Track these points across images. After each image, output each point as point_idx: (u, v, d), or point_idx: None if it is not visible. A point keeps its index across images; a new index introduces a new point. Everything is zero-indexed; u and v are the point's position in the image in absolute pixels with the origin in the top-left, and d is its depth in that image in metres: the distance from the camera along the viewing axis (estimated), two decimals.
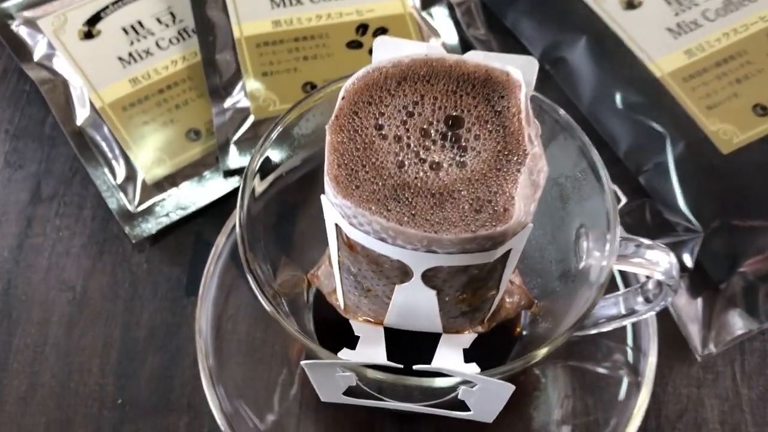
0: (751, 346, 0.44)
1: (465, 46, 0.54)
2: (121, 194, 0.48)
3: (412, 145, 0.29)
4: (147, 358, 0.44)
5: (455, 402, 0.34)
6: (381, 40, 0.33)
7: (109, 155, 0.48)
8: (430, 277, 0.30)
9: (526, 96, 0.30)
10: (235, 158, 0.48)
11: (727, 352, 0.44)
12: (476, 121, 0.29)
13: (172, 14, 0.53)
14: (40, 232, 0.48)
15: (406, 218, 0.28)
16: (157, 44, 0.52)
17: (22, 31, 0.52)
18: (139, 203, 0.47)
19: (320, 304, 0.39)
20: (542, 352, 0.32)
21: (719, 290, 0.44)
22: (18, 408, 0.43)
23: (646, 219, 0.47)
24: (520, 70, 0.30)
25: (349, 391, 0.34)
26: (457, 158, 0.29)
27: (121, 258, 0.47)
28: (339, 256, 0.32)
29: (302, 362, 0.30)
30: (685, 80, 0.49)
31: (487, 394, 0.31)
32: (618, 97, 0.49)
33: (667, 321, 0.44)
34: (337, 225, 0.29)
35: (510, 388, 0.30)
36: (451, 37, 0.54)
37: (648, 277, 0.36)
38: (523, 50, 0.52)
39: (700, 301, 0.44)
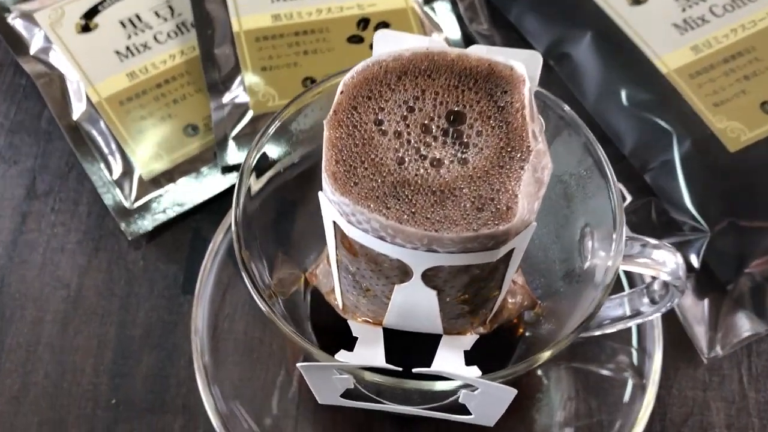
0: (758, 348, 0.44)
1: (468, 41, 0.53)
2: (118, 190, 0.47)
3: (412, 141, 0.28)
4: (142, 357, 0.43)
5: (456, 405, 0.33)
6: (381, 33, 0.32)
7: (106, 150, 0.48)
8: (430, 277, 0.29)
9: (530, 91, 0.29)
10: (233, 154, 0.47)
11: (734, 354, 0.43)
12: (479, 116, 0.28)
13: (170, 8, 0.52)
14: (35, 228, 0.47)
15: (405, 216, 0.27)
16: (155, 38, 0.51)
17: (19, 24, 0.52)
18: (136, 199, 0.47)
19: (318, 304, 0.38)
20: (546, 354, 0.31)
21: (726, 291, 0.43)
22: (10, 408, 0.42)
23: (651, 218, 0.46)
24: (524, 65, 0.29)
25: (347, 394, 0.34)
26: (459, 155, 0.28)
27: (116, 255, 0.46)
28: (337, 255, 0.31)
29: (298, 364, 0.30)
30: (692, 77, 0.48)
31: (489, 398, 0.30)
32: (623, 94, 0.48)
33: (672, 322, 0.43)
34: (335, 223, 0.29)
35: (512, 393, 0.29)
36: (454, 32, 0.53)
37: (654, 278, 0.36)
38: (526, 46, 0.51)
39: (706, 302, 0.43)
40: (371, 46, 0.31)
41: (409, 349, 0.32)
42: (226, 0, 0.51)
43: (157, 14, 0.52)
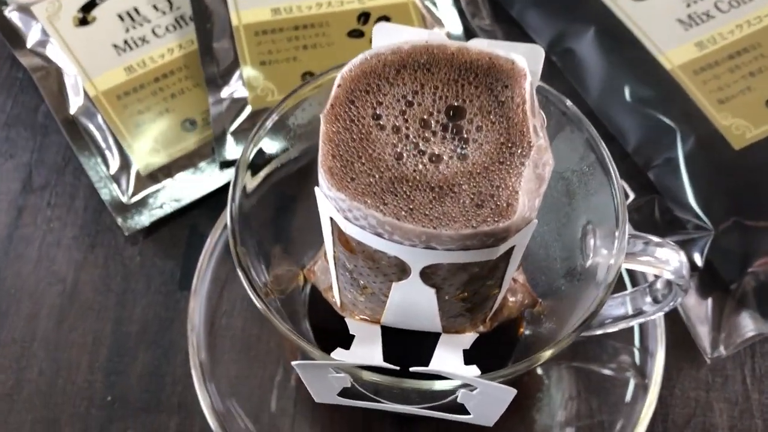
0: (762, 349, 0.43)
1: (469, 36, 0.52)
2: (114, 185, 0.46)
3: (411, 136, 0.28)
4: (138, 354, 0.43)
5: (454, 405, 0.32)
6: (381, 26, 0.31)
7: (103, 145, 0.47)
8: (429, 275, 0.28)
9: (531, 85, 0.28)
10: (231, 149, 0.47)
11: (738, 354, 0.43)
12: (478, 111, 0.28)
13: (169, 1, 0.52)
14: (31, 223, 0.46)
15: (403, 213, 0.26)
16: (153, 32, 0.50)
17: (15, 17, 0.51)
18: (133, 194, 0.46)
19: (317, 301, 0.38)
20: (546, 354, 0.30)
21: (730, 290, 0.43)
22: (4, 405, 0.41)
23: (654, 216, 0.45)
24: (526, 59, 0.29)
25: (345, 393, 0.33)
26: (458, 150, 0.27)
27: (113, 250, 0.45)
28: (334, 252, 0.31)
29: (293, 363, 0.29)
30: (696, 73, 0.47)
31: (488, 398, 0.30)
32: (627, 90, 0.47)
33: (675, 321, 0.43)
34: (331, 219, 0.28)
35: (511, 393, 0.28)
36: (456, 27, 0.52)
37: (657, 277, 0.35)
38: (529, 41, 0.50)
39: (709, 301, 0.43)
40: (372, 41, 0.31)
41: (408, 347, 0.32)
42: None
43: (155, 8, 0.51)
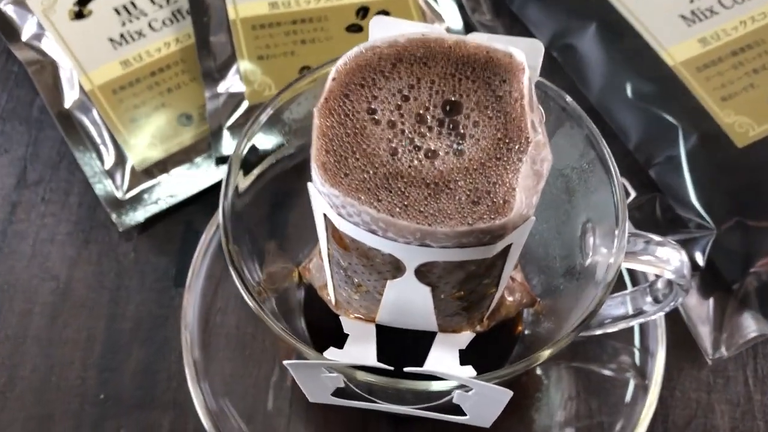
0: (765, 350, 0.42)
1: (469, 31, 0.51)
2: (109, 180, 0.46)
3: (406, 131, 0.27)
4: (132, 351, 0.42)
5: (451, 405, 0.32)
6: (378, 19, 0.31)
7: (98, 140, 0.47)
8: (424, 273, 0.28)
9: (530, 80, 0.28)
10: (228, 144, 0.46)
11: (740, 355, 0.42)
12: (476, 106, 0.27)
13: None
14: (25, 218, 0.46)
15: (398, 209, 0.26)
16: (150, 25, 0.50)
17: (11, 11, 0.50)
18: (128, 190, 0.45)
19: (312, 299, 0.37)
20: (544, 354, 0.30)
21: (732, 290, 0.42)
22: None
23: (656, 214, 0.45)
24: (525, 53, 0.28)
25: (340, 392, 0.33)
26: (455, 146, 0.27)
27: (107, 247, 0.45)
28: (328, 249, 0.30)
29: (285, 362, 0.29)
30: (699, 70, 0.47)
31: (484, 399, 0.29)
32: (628, 87, 0.47)
33: (676, 322, 0.42)
34: (325, 215, 0.27)
35: (507, 394, 0.28)
36: (456, 22, 0.52)
37: (657, 276, 0.35)
38: (529, 37, 0.50)
39: (711, 301, 0.42)
40: (369, 35, 0.30)
41: (403, 347, 0.31)
42: None
43: (152, 1, 0.51)
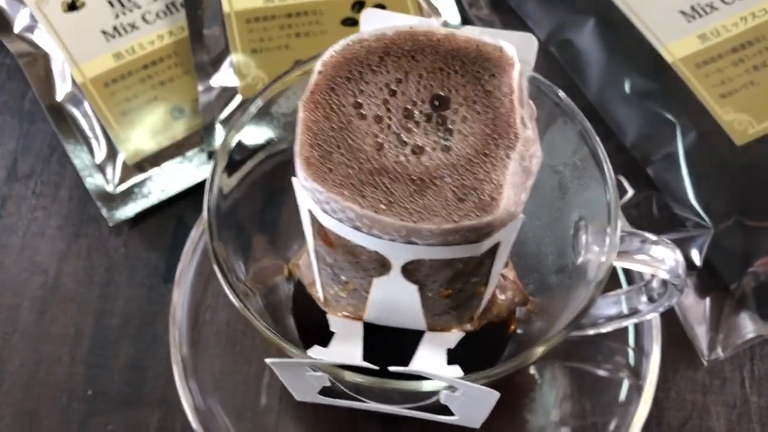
0: (762, 351, 0.42)
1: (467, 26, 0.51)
2: (100, 174, 0.45)
3: (393, 126, 0.27)
4: (121, 347, 0.42)
5: (439, 405, 0.31)
6: (369, 12, 0.30)
7: (89, 133, 0.46)
8: (411, 271, 0.27)
9: (521, 74, 0.27)
10: (221, 139, 0.46)
11: (736, 356, 0.41)
12: (464, 101, 0.27)
13: None
14: (15, 212, 0.45)
15: (382, 206, 0.25)
16: (144, 18, 0.49)
17: (3, 2, 0.50)
18: (119, 184, 0.45)
19: (302, 297, 0.37)
20: (533, 355, 0.29)
21: (729, 291, 0.41)
22: None
23: (653, 212, 0.44)
24: (518, 48, 0.28)
25: (327, 391, 0.32)
26: (442, 142, 0.26)
27: (97, 241, 0.44)
28: (315, 246, 0.29)
29: (267, 360, 0.28)
30: (698, 66, 0.46)
31: (471, 400, 0.28)
32: (627, 83, 0.46)
33: (672, 322, 0.41)
34: (310, 211, 0.27)
35: (494, 395, 0.27)
36: (453, 16, 0.51)
37: (653, 275, 0.34)
38: (527, 32, 0.49)
39: (708, 301, 0.42)
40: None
41: (391, 345, 0.31)
42: None
43: None
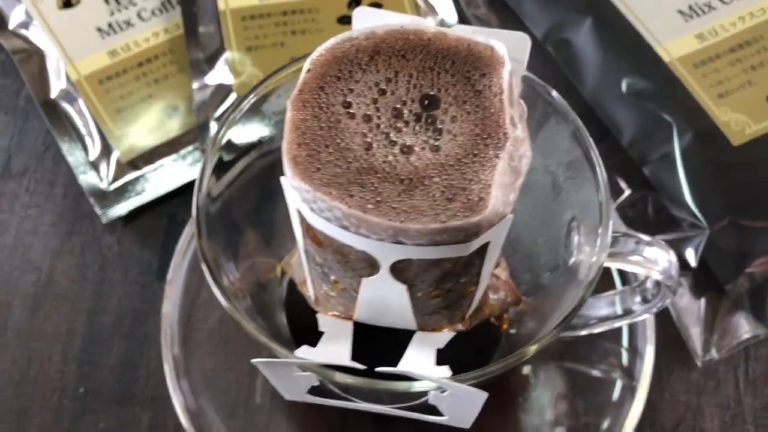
0: (756, 352, 0.41)
1: (464, 24, 0.51)
2: (94, 172, 0.45)
3: (382, 126, 0.26)
4: (113, 345, 0.42)
5: (429, 406, 0.31)
6: (361, 10, 0.30)
7: (83, 130, 0.46)
8: (399, 271, 0.27)
9: (511, 74, 0.27)
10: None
11: (731, 357, 0.41)
12: (454, 101, 0.27)
13: None
14: (8, 209, 0.45)
15: (370, 205, 0.25)
16: (139, 15, 0.49)
17: None
18: (112, 181, 0.45)
19: (294, 294, 0.36)
20: (523, 355, 0.29)
21: (724, 291, 0.41)
22: None
23: (648, 212, 0.44)
24: (511, 47, 0.27)
25: (316, 390, 0.32)
26: (431, 142, 0.26)
27: (90, 239, 0.44)
28: (305, 245, 0.29)
29: (253, 360, 0.28)
30: (696, 66, 0.46)
31: (459, 401, 0.28)
32: (624, 83, 0.46)
33: (666, 322, 0.41)
34: (298, 210, 0.27)
35: (482, 396, 0.27)
36: (450, 15, 0.51)
37: (647, 276, 0.34)
38: (524, 30, 0.49)
39: (703, 302, 0.41)
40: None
41: (380, 345, 0.31)
42: None
43: None
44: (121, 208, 0.44)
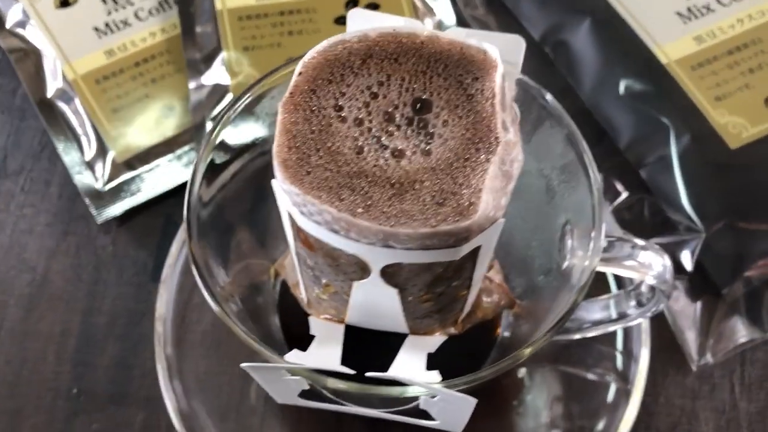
0: (752, 357, 0.41)
1: (462, 26, 0.51)
2: (89, 172, 0.45)
3: (373, 129, 0.26)
4: (107, 346, 0.41)
5: (420, 410, 0.31)
6: (356, 12, 0.30)
7: (79, 130, 0.46)
8: (390, 275, 0.27)
9: (504, 77, 0.27)
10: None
11: (726, 361, 0.41)
12: (446, 105, 0.26)
13: None
14: (3, 209, 0.45)
15: (359, 209, 0.25)
16: (136, 15, 0.49)
17: None
18: (108, 181, 0.45)
19: (288, 297, 0.36)
20: (515, 359, 0.29)
21: (720, 295, 0.41)
22: None
23: (645, 215, 0.44)
24: (506, 50, 0.27)
25: (307, 394, 0.32)
26: (423, 146, 0.26)
27: (86, 239, 0.44)
28: (296, 248, 0.29)
29: (242, 365, 0.28)
30: (694, 68, 0.46)
31: (449, 406, 0.28)
32: (621, 85, 0.46)
33: (662, 326, 0.41)
34: (289, 214, 0.27)
35: (471, 402, 0.27)
36: (448, 16, 0.51)
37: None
38: (523, 31, 0.49)
39: (698, 305, 0.41)
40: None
41: (372, 349, 0.30)
42: None
43: None
44: (116, 209, 0.44)
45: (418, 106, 0.27)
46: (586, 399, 0.40)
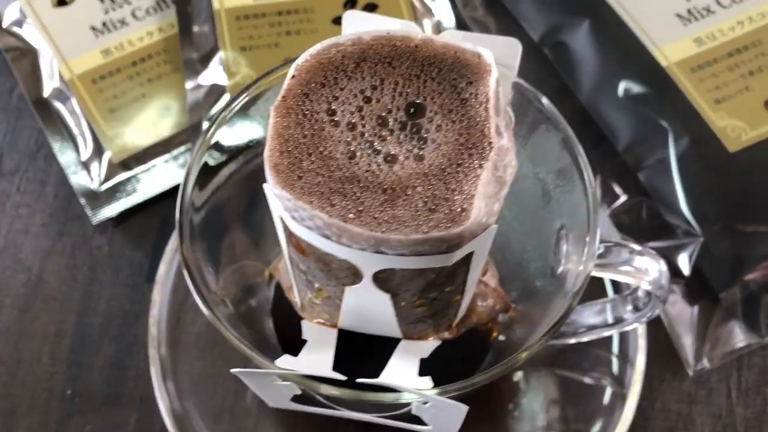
0: (749, 362, 0.41)
1: (461, 27, 0.50)
2: (85, 172, 0.45)
3: (366, 134, 0.26)
4: (101, 347, 0.41)
5: (413, 415, 0.31)
6: (351, 14, 0.30)
7: (75, 130, 0.46)
8: (383, 280, 0.27)
9: (498, 82, 0.26)
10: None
11: (723, 366, 0.41)
12: (439, 109, 0.26)
13: None
14: None
15: (351, 215, 0.25)
16: (133, 14, 0.49)
17: None
18: (104, 182, 0.45)
19: (282, 300, 0.36)
20: (509, 365, 0.29)
21: (718, 300, 0.41)
22: None
23: (642, 219, 0.43)
24: (502, 53, 0.27)
25: (300, 398, 0.32)
26: (415, 151, 0.26)
27: (81, 239, 0.44)
28: (289, 252, 0.29)
29: (232, 370, 0.28)
30: (693, 71, 0.45)
31: (441, 412, 0.28)
32: (620, 87, 0.46)
33: (659, 330, 0.41)
34: (281, 218, 0.26)
35: (463, 409, 0.27)
36: (447, 17, 0.50)
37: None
38: (522, 33, 0.49)
39: (696, 310, 0.41)
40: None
41: (364, 354, 0.30)
42: None
43: None
44: (112, 209, 0.44)
45: (412, 110, 0.26)
46: (582, 403, 0.39)
